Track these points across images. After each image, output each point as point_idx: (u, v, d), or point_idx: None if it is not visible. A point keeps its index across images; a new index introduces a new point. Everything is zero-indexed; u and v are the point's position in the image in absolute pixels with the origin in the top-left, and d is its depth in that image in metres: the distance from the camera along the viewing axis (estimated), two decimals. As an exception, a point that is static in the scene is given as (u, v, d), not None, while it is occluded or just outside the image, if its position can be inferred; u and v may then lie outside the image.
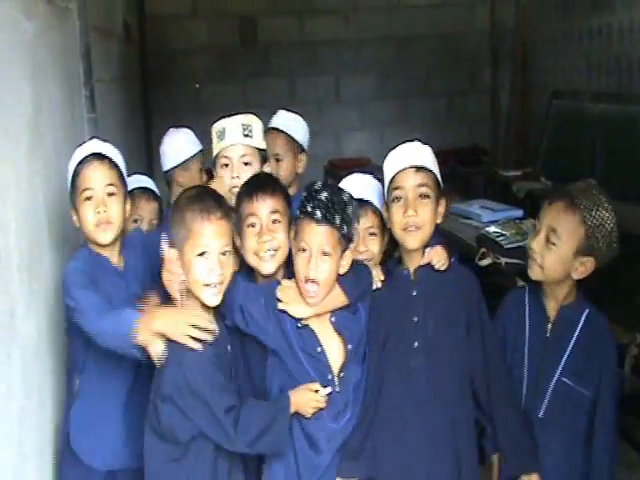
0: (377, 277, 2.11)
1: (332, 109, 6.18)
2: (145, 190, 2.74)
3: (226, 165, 2.41)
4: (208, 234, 1.89)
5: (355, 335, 2.05)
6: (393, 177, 2.06)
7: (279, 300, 2.01)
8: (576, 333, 2.08)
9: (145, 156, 5.54)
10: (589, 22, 5.15)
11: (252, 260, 2.09)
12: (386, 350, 2.06)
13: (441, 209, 2.08)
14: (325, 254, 1.96)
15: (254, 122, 2.45)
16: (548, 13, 5.79)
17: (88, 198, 2.09)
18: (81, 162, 2.11)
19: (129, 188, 2.30)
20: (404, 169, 2.04)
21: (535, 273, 2.07)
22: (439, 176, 2.09)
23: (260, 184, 2.14)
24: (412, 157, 2.06)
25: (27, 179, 2.10)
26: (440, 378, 2.04)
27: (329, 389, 1.98)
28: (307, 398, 1.96)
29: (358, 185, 2.25)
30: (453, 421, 2.05)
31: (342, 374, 2.02)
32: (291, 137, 2.88)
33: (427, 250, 2.08)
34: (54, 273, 2.27)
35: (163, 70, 6.00)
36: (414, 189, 2.02)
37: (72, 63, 2.95)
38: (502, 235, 3.30)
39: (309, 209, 1.96)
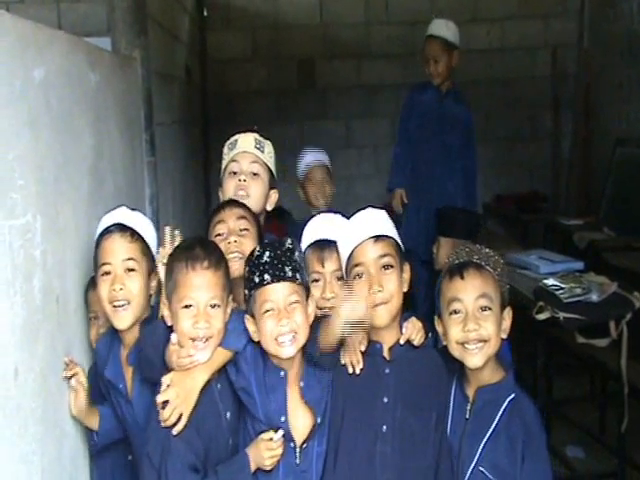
0: (354, 353, 1.89)
1: (388, 152, 6.13)
2: None
3: (234, 173, 2.37)
4: (193, 285, 1.79)
5: (321, 403, 1.89)
6: (351, 253, 1.89)
7: None
8: (496, 419, 1.81)
9: (204, 198, 5.61)
10: (654, 68, 5.06)
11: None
12: (344, 430, 1.86)
13: (406, 275, 1.91)
14: (293, 303, 1.82)
15: (267, 143, 2.48)
16: (611, 58, 5.69)
17: (106, 273, 1.96)
18: (102, 233, 2.01)
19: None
20: (362, 242, 1.87)
21: (482, 358, 1.81)
22: (399, 239, 1.94)
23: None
24: (369, 226, 1.90)
25: (86, 224, 2.11)
26: (407, 469, 1.83)
27: (281, 432, 1.83)
28: (261, 448, 1.82)
29: (323, 225, 2.12)
30: None
31: (305, 445, 1.86)
32: (445, 40, 4.05)
33: (405, 325, 1.90)
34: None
35: (222, 112, 6.11)
36: (375, 262, 1.85)
37: (134, 109, 3.01)
38: (561, 288, 3.18)
39: (257, 279, 1.81)
